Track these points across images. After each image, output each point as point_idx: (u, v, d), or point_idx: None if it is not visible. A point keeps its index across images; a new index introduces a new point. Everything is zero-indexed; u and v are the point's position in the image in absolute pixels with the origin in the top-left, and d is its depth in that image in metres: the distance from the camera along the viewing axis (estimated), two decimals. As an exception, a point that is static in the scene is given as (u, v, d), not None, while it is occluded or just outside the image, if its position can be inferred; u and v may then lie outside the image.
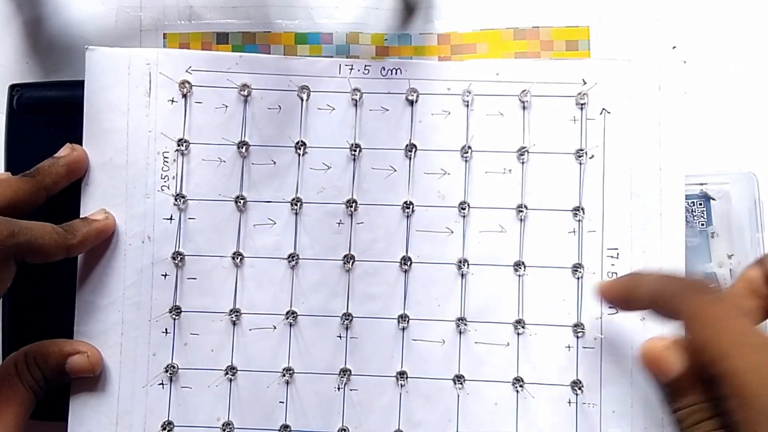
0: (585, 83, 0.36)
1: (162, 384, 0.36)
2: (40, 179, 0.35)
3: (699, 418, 0.23)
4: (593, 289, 0.33)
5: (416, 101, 0.37)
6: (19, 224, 0.32)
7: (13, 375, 0.34)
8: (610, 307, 0.35)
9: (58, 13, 0.40)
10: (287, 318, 0.36)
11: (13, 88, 0.38)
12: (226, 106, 0.37)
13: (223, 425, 0.36)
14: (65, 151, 0.36)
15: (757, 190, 0.36)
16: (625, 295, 0.29)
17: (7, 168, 0.37)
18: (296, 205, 0.36)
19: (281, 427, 0.36)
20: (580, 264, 0.36)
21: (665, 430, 0.34)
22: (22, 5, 0.40)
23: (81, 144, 0.36)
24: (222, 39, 0.39)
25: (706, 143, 0.38)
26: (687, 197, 0.36)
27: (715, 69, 0.38)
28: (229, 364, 0.36)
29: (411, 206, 0.36)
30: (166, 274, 0.36)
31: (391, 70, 0.37)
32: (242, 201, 0.36)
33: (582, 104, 0.36)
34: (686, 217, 0.36)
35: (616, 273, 0.36)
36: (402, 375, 0.36)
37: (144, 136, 0.37)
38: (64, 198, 0.36)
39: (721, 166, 0.38)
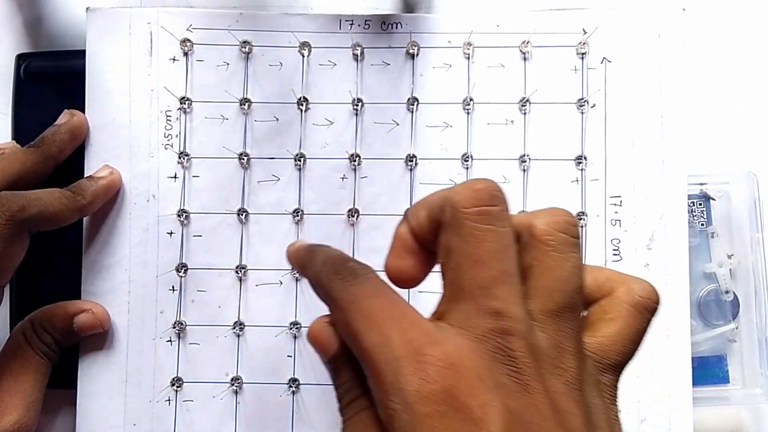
0: (585, 33, 0.36)
1: (170, 341, 0.36)
2: (45, 149, 0.35)
3: (352, 396, 0.22)
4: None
5: (417, 55, 0.37)
6: (28, 196, 0.32)
7: (24, 344, 0.34)
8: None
9: (58, 13, 0.40)
10: (293, 273, 0.36)
11: (20, 58, 0.38)
12: (228, 64, 0.37)
13: (231, 380, 0.36)
14: (65, 117, 0.36)
15: (757, 190, 0.37)
16: (300, 266, 0.27)
17: (15, 137, 0.37)
18: (300, 160, 0.37)
19: (289, 380, 0.36)
20: (583, 212, 0.36)
21: (671, 375, 0.35)
22: (22, 5, 0.40)
23: (85, 109, 0.37)
24: None
25: (706, 143, 0.38)
26: (687, 197, 0.36)
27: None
28: (237, 319, 0.36)
29: (414, 159, 0.36)
30: (171, 232, 0.37)
31: (392, 25, 0.37)
32: (246, 158, 0.37)
33: (582, 54, 0.36)
34: (686, 217, 0.36)
35: (620, 221, 0.36)
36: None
37: (146, 95, 0.37)
38: (67, 160, 0.36)
39: (721, 166, 0.38)
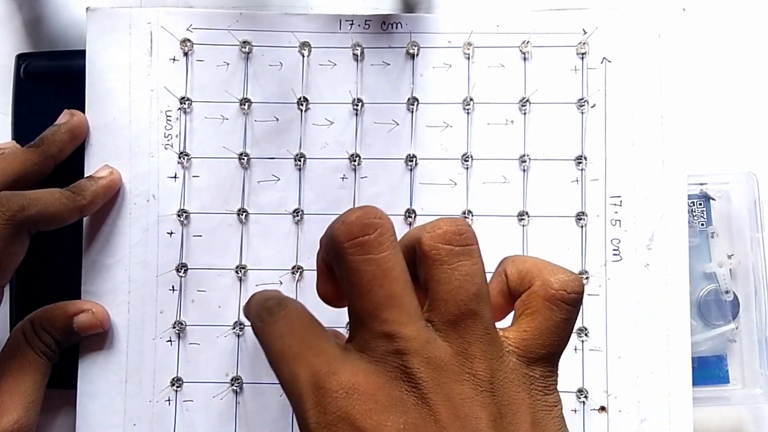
0: (585, 33, 0.36)
1: (170, 341, 0.36)
2: (45, 148, 0.35)
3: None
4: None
5: (417, 55, 0.37)
6: (28, 196, 0.32)
7: (24, 344, 0.34)
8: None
9: (58, 13, 0.40)
10: (293, 273, 0.36)
11: (20, 58, 0.38)
12: (228, 64, 0.37)
13: (231, 380, 0.36)
14: (65, 117, 0.36)
15: (757, 190, 0.37)
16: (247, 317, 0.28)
17: (15, 137, 0.37)
18: (300, 160, 0.37)
19: (290, 380, 0.36)
20: (583, 212, 0.36)
21: (671, 375, 0.35)
22: (22, 5, 0.40)
23: (85, 109, 0.37)
24: None
25: (707, 143, 0.38)
26: (687, 197, 0.36)
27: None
28: (237, 319, 0.36)
29: (414, 159, 0.36)
30: (171, 232, 0.37)
31: (392, 25, 0.37)
32: (246, 158, 0.37)
33: (582, 54, 0.36)
34: (686, 217, 0.36)
35: (620, 221, 0.36)
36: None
37: (146, 95, 0.37)
38: (67, 160, 0.36)
39: (721, 166, 0.38)
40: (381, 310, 0.22)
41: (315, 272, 0.35)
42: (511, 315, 0.25)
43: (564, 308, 0.23)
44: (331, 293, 0.26)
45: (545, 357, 0.23)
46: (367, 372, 0.21)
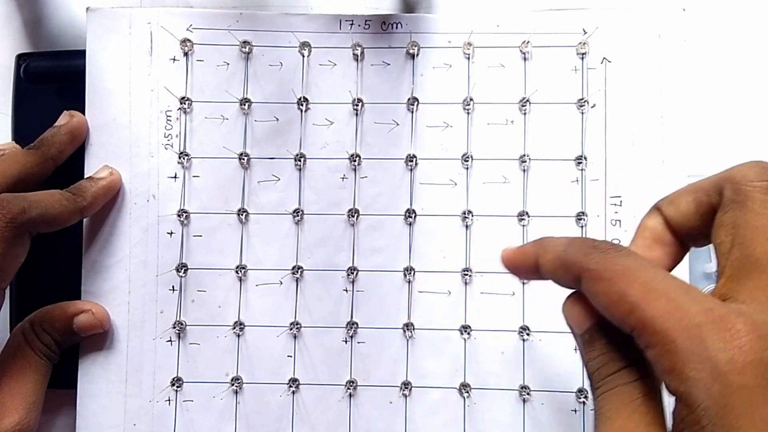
0: (585, 33, 0.36)
1: (170, 341, 0.36)
2: (45, 150, 0.35)
3: (611, 369, 0.22)
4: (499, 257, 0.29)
5: (417, 55, 0.37)
6: (29, 198, 0.32)
7: (24, 345, 0.34)
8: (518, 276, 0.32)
9: (58, 13, 0.40)
10: (293, 273, 0.36)
11: (20, 58, 0.38)
12: (228, 64, 0.37)
13: (231, 380, 0.36)
14: (65, 118, 0.36)
15: None
16: (532, 261, 0.26)
17: (15, 137, 0.37)
18: (300, 161, 0.37)
19: (290, 380, 0.36)
20: (583, 212, 0.36)
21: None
22: (22, 5, 0.40)
23: (84, 109, 0.37)
24: None
25: (707, 143, 0.38)
26: None
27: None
28: (237, 319, 0.36)
29: (414, 159, 0.36)
30: (171, 232, 0.37)
31: (392, 25, 0.37)
32: (246, 158, 0.36)
33: (582, 54, 0.36)
34: None
35: (620, 221, 0.36)
36: (409, 327, 0.36)
37: (146, 95, 0.37)
38: (67, 161, 0.36)
39: (721, 166, 0.37)
40: None
41: (315, 272, 0.36)
42: None
43: None
44: (658, 258, 0.25)
45: None
46: None
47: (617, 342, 0.22)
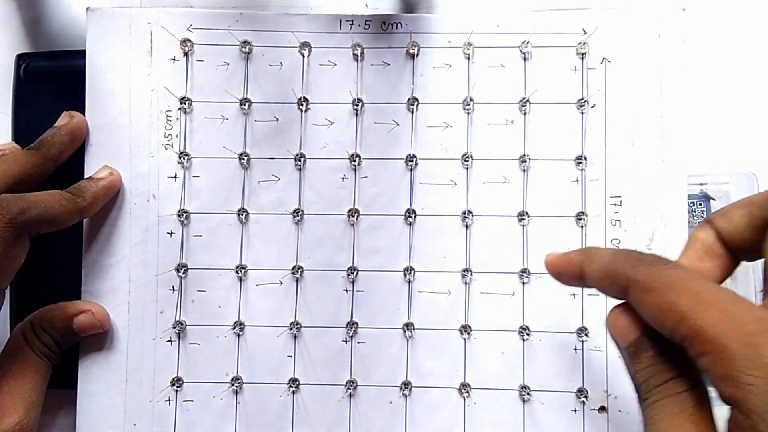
0: (585, 33, 0.36)
1: (170, 341, 0.36)
2: (45, 151, 0.35)
3: (661, 379, 0.22)
4: (544, 261, 0.29)
5: (417, 55, 0.37)
6: (28, 199, 0.32)
7: (24, 345, 0.34)
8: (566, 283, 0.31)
9: (58, 13, 0.40)
10: (293, 273, 0.36)
11: (20, 58, 0.38)
12: (228, 64, 0.37)
13: (231, 380, 0.36)
14: (64, 119, 0.36)
15: (756, 190, 0.37)
16: (578, 270, 0.27)
17: (15, 137, 0.37)
18: (300, 161, 0.37)
19: (290, 380, 0.36)
20: (583, 212, 0.36)
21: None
22: (22, 5, 0.40)
23: (85, 109, 0.37)
24: None
25: (707, 143, 0.38)
26: (687, 197, 0.36)
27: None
28: (237, 319, 0.36)
29: (414, 159, 0.36)
30: (171, 232, 0.37)
31: (392, 25, 0.37)
32: (246, 158, 0.36)
33: (582, 54, 0.36)
34: (686, 217, 0.36)
35: (619, 221, 0.36)
36: (409, 326, 0.36)
37: (146, 95, 0.37)
38: (67, 161, 0.36)
39: (721, 166, 0.38)
40: None
41: (315, 272, 0.36)
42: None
43: None
44: (708, 271, 0.25)
45: None
46: None
47: (664, 353, 0.22)
